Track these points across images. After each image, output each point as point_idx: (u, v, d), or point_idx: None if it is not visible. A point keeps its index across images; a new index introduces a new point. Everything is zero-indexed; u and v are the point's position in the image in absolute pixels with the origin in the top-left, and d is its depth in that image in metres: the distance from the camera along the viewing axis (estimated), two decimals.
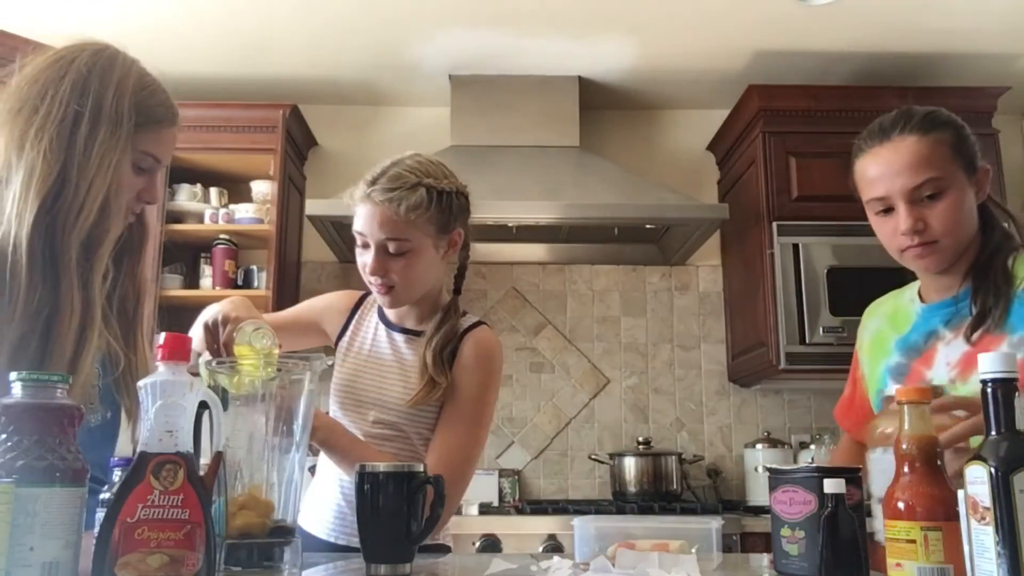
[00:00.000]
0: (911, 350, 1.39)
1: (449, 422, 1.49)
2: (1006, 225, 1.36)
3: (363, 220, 1.47)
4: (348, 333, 1.64)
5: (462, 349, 1.52)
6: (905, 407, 0.96)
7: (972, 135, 1.36)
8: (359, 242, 1.49)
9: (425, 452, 1.50)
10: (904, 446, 0.95)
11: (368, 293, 1.65)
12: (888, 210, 1.33)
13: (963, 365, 1.29)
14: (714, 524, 1.21)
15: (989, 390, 0.87)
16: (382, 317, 1.62)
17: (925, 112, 1.35)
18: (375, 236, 1.46)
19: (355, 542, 1.47)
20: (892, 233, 1.34)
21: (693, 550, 1.14)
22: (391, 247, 1.46)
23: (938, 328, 1.35)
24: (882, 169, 1.33)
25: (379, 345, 1.59)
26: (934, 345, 1.36)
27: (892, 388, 1.41)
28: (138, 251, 1.31)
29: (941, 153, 1.30)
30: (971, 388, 1.24)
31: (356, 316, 1.65)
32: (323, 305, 1.70)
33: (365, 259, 1.48)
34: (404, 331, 1.58)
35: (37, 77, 1.17)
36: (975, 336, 1.27)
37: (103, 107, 1.17)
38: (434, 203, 1.46)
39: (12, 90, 1.17)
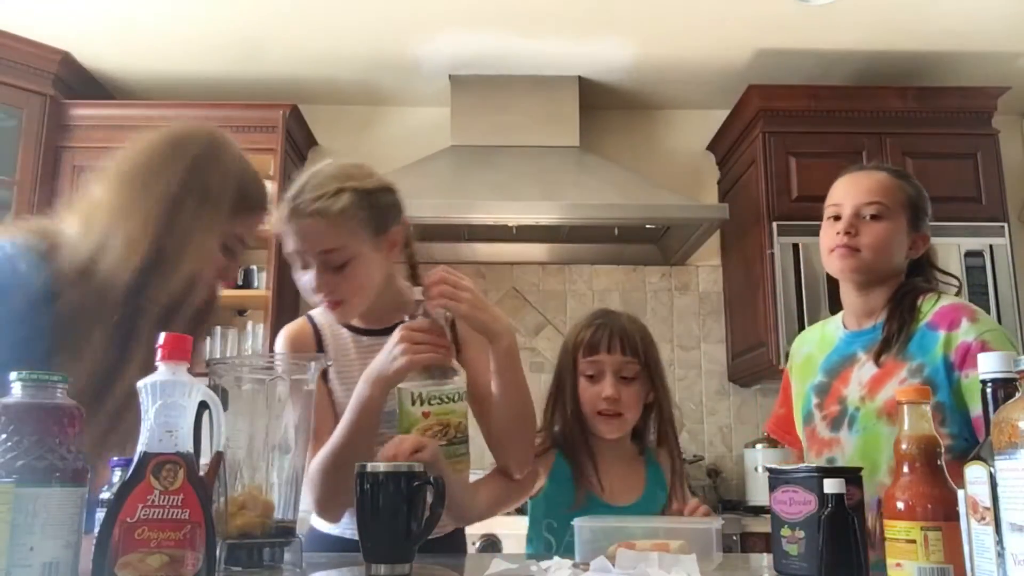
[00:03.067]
0: (832, 370, 1.57)
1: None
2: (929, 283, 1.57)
3: (295, 239, 1.37)
4: (327, 351, 1.50)
5: (463, 333, 1.47)
6: (905, 407, 0.96)
7: (928, 206, 1.58)
8: (297, 263, 1.39)
9: None
10: (904, 446, 0.95)
11: (312, 316, 1.55)
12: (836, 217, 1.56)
13: (871, 385, 1.47)
14: (714, 524, 1.21)
15: (989, 390, 0.87)
16: (354, 329, 1.52)
17: (900, 168, 1.64)
18: (312, 251, 1.36)
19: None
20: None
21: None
22: (330, 260, 1.36)
23: (857, 352, 1.53)
24: (846, 183, 1.58)
25: (368, 356, 1.47)
26: (851, 367, 1.53)
27: (815, 402, 1.57)
28: (205, 326, 1.34)
29: (897, 195, 1.54)
30: (877, 404, 1.45)
31: (325, 340, 1.52)
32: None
33: (307, 279, 1.38)
34: (385, 331, 1.46)
35: (153, 151, 1.24)
36: (881, 359, 1.47)
37: (210, 190, 1.23)
38: (362, 204, 1.38)
39: (125, 158, 1.24)
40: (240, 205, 1.27)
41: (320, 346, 1.50)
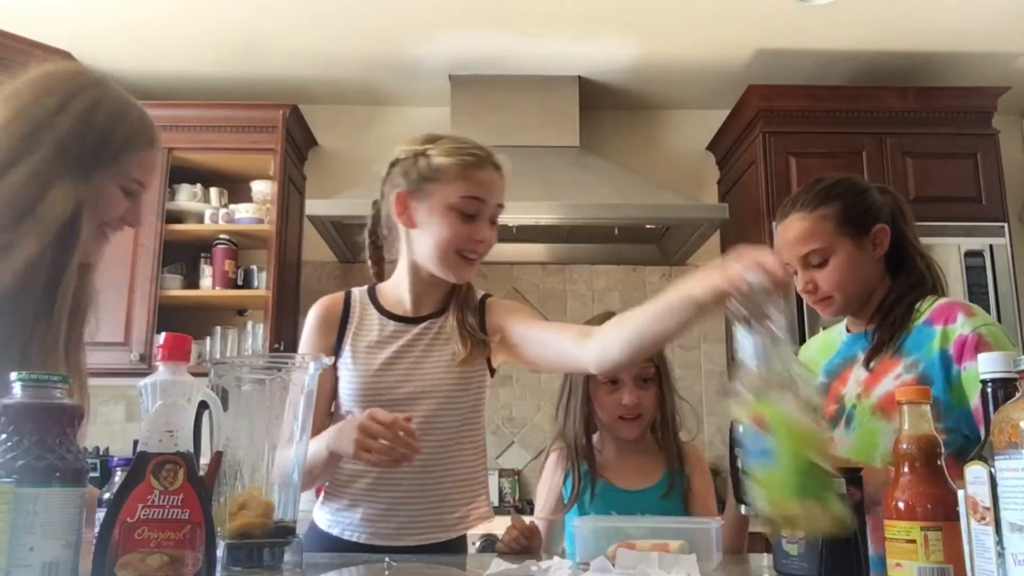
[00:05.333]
0: (833, 372, 1.58)
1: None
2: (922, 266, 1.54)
3: (484, 186, 1.46)
4: (349, 335, 1.53)
5: (491, 313, 1.57)
6: (905, 407, 0.96)
7: (867, 200, 1.54)
8: (468, 209, 1.45)
9: (458, 443, 1.49)
10: (904, 446, 0.95)
11: (350, 292, 1.58)
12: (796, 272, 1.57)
13: (867, 382, 1.50)
14: (714, 524, 1.21)
15: (989, 390, 0.87)
16: (385, 313, 1.55)
17: (816, 189, 1.54)
18: (493, 201, 1.48)
19: (375, 541, 1.46)
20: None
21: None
22: (495, 217, 1.50)
23: (858, 353, 1.55)
24: (779, 242, 1.58)
25: (393, 342, 1.51)
26: (851, 367, 1.55)
27: None
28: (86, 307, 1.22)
29: (824, 227, 1.50)
30: (872, 400, 1.46)
31: (351, 317, 1.55)
32: (317, 335, 1.54)
33: (470, 230, 1.46)
34: (419, 320, 1.53)
35: (17, 94, 1.14)
36: (872, 364, 1.49)
37: (87, 136, 1.14)
38: None
39: None
40: (123, 146, 1.17)
41: (346, 318, 1.54)
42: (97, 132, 1.15)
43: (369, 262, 1.61)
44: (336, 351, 1.52)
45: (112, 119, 1.17)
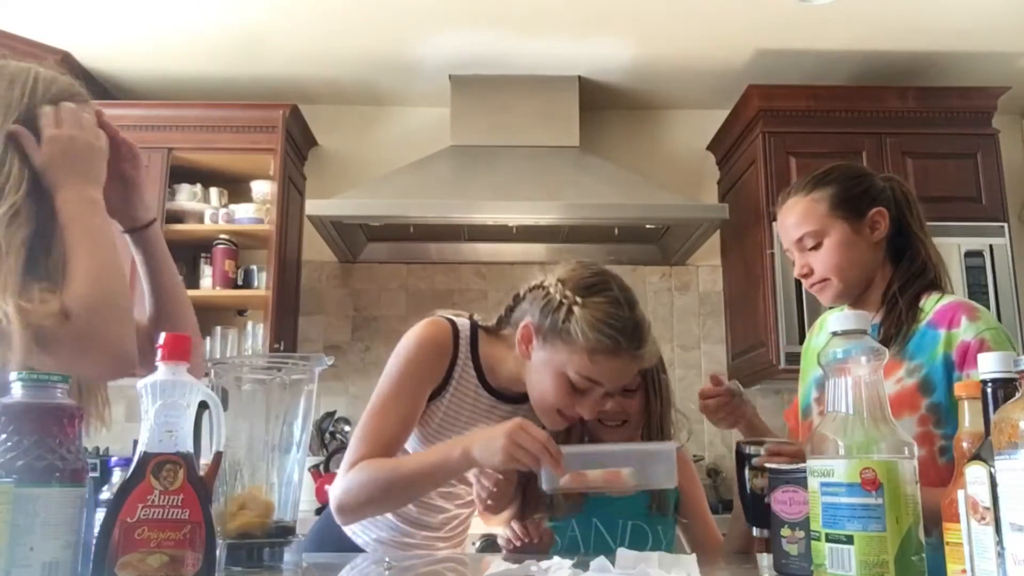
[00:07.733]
0: None
1: None
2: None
3: (607, 374, 1.35)
4: (451, 385, 1.45)
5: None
6: (966, 402, 0.92)
7: (863, 184, 1.54)
8: (580, 386, 1.35)
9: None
10: (966, 444, 0.89)
11: (458, 332, 1.47)
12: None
13: None
14: (670, 445, 1.21)
15: (989, 390, 0.87)
16: (482, 381, 1.47)
17: (813, 175, 1.55)
18: (612, 387, 1.41)
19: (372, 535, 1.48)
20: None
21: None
22: (614, 393, 1.47)
23: None
24: (778, 229, 1.61)
25: (479, 414, 1.47)
26: None
27: (814, 396, 1.57)
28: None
29: (817, 209, 1.51)
30: None
31: (456, 366, 1.46)
32: (427, 372, 1.43)
33: (574, 400, 1.37)
34: (511, 399, 1.48)
35: None
36: None
37: None
38: None
39: None
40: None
41: (452, 364, 1.45)
42: None
43: (504, 312, 1.50)
44: (436, 394, 1.45)
45: None
